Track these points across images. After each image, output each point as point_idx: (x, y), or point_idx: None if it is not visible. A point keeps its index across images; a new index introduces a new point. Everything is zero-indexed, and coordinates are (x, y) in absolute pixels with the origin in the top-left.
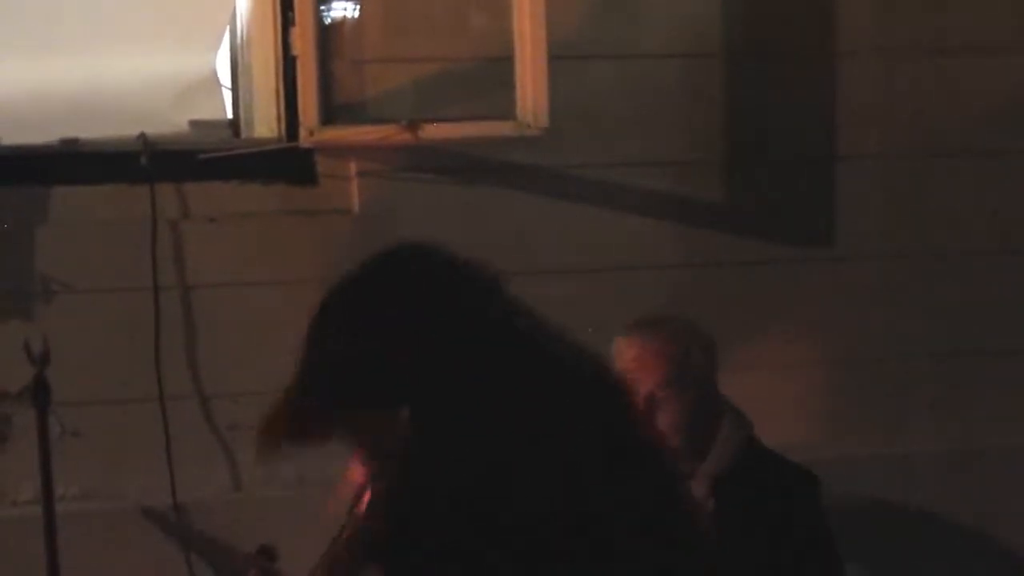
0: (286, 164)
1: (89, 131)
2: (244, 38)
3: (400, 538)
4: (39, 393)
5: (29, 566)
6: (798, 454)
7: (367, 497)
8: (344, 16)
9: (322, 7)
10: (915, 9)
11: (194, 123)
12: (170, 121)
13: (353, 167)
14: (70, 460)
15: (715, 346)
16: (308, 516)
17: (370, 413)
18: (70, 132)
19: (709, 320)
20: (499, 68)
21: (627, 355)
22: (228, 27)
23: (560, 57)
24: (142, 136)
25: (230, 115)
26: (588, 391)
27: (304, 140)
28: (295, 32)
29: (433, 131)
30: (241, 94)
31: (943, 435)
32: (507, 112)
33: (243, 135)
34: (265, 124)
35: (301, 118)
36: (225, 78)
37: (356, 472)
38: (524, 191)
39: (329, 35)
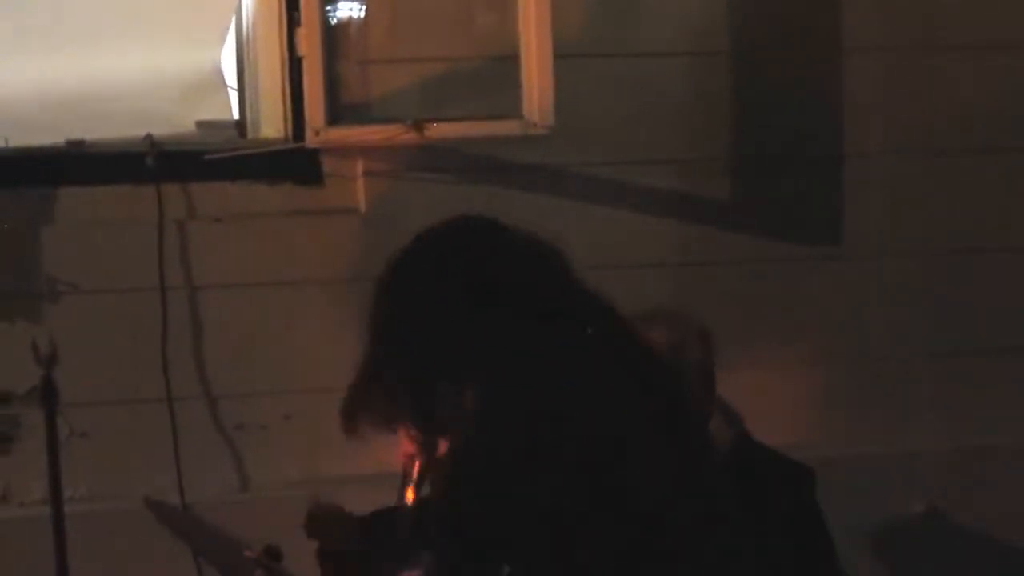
0: (292, 164)
1: (95, 132)
2: (250, 39)
3: (470, 505)
4: (47, 394)
5: (38, 566)
6: (801, 452)
7: (416, 471)
8: (350, 16)
9: (328, 8)
10: (919, 8)
11: (200, 124)
12: (176, 122)
13: (359, 167)
14: (78, 461)
15: (712, 338)
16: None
17: (439, 388)
18: (76, 134)
19: (712, 318)
20: (504, 67)
21: None
22: (234, 27)
23: (565, 56)
24: (148, 137)
25: (236, 116)
26: (642, 363)
27: (310, 140)
28: (301, 33)
29: (439, 131)
30: (247, 95)
31: (946, 434)
32: (512, 111)
33: (249, 136)
34: (271, 124)
35: (307, 118)
36: (231, 79)
37: (407, 449)
38: (530, 190)
39: (335, 35)
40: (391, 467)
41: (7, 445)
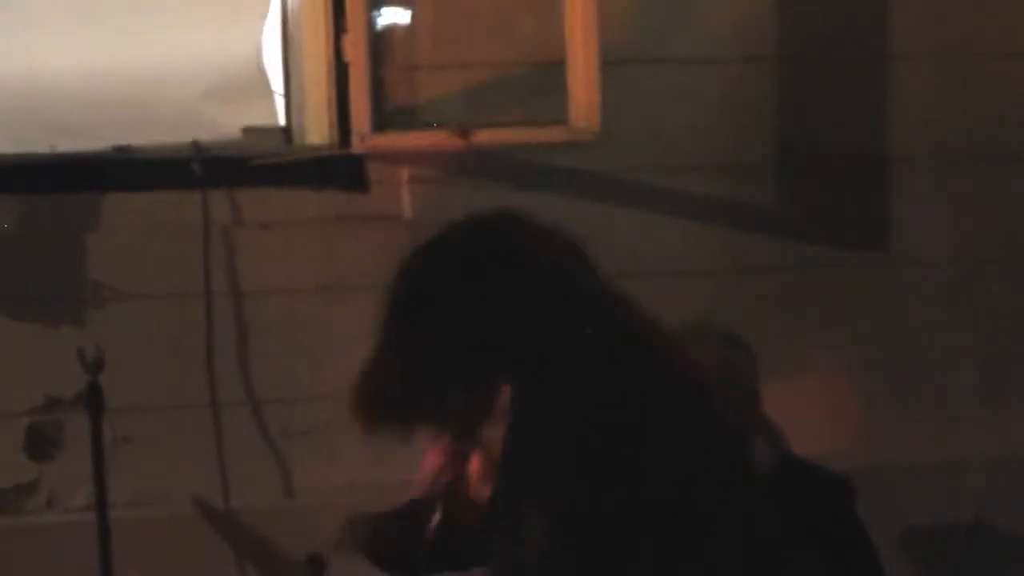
0: (338, 170)
1: (142, 138)
2: (296, 45)
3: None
4: (92, 400)
5: (82, 572)
6: (846, 460)
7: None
8: (395, 22)
9: (374, 14)
10: (968, 11)
11: (246, 130)
12: (222, 128)
13: (405, 173)
14: (122, 466)
15: (755, 358)
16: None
17: (468, 390)
18: (123, 139)
19: (757, 324)
20: (550, 73)
21: None
22: (280, 33)
23: (612, 62)
24: (194, 143)
25: (282, 122)
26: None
27: (356, 146)
28: (347, 39)
29: (485, 136)
30: (293, 100)
31: (994, 441)
32: (558, 117)
33: (295, 141)
34: (317, 130)
35: (353, 124)
36: (277, 84)
37: (434, 458)
38: (576, 196)
39: (381, 41)
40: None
41: (52, 450)
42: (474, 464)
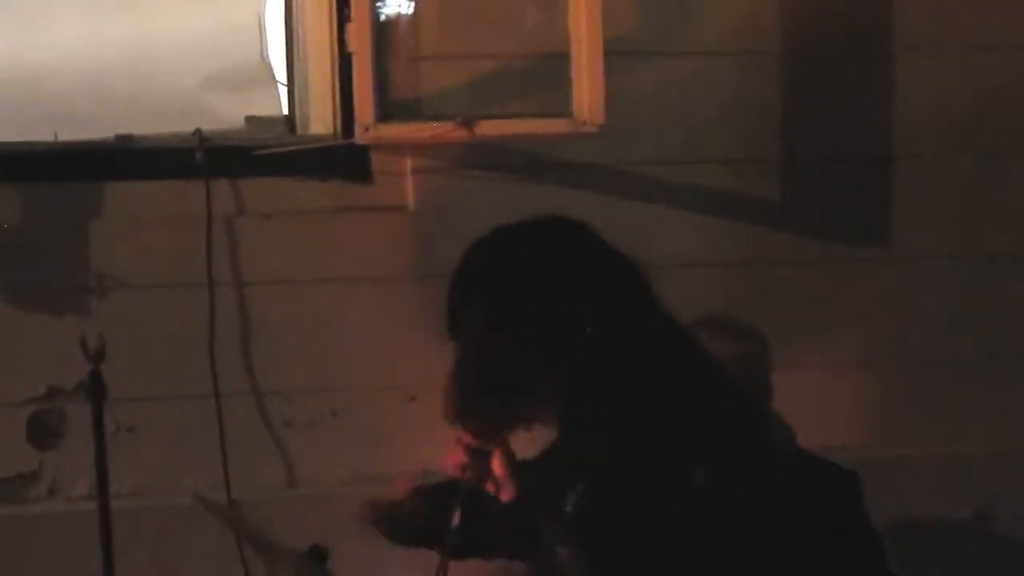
0: (341, 161)
1: (144, 127)
2: (300, 34)
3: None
4: (94, 389)
5: (84, 561)
6: (849, 454)
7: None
8: (400, 13)
9: (378, 4)
10: (972, 6)
11: (249, 119)
12: (226, 117)
13: (408, 164)
14: (125, 456)
15: (768, 351)
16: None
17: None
18: (125, 128)
19: (761, 318)
20: (555, 65)
21: None
22: (284, 23)
23: (616, 54)
24: (197, 132)
25: (285, 112)
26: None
27: (359, 137)
28: (351, 29)
29: (488, 128)
30: (296, 90)
31: (995, 437)
32: (562, 109)
33: (298, 132)
34: (321, 121)
35: (357, 115)
36: (281, 74)
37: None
38: (579, 188)
39: (385, 32)
40: (438, 465)
41: (54, 439)
42: (496, 463)
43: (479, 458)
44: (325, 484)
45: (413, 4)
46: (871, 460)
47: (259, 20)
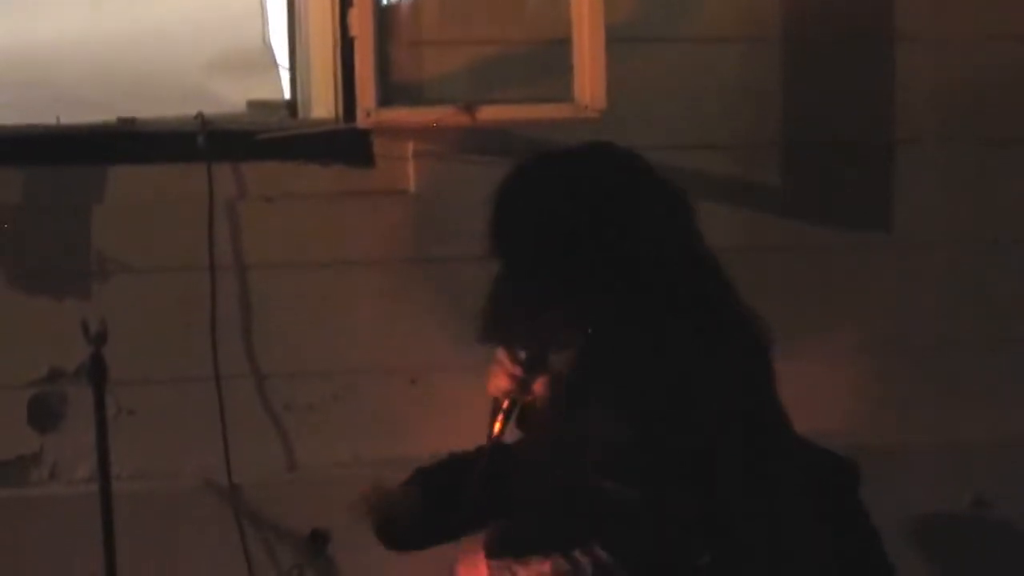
0: (343, 145)
1: (146, 111)
2: (302, 18)
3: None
4: (96, 372)
5: (84, 544)
6: (848, 441)
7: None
8: None
9: None
10: None
11: (251, 103)
12: (228, 101)
13: (410, 148)
14: (125, 439)
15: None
16: (357, 498)
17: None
18: (127, 112)
19: (761, 304)
20: (557, 51)
21: None
22: (286, 7)
23: (618, 40)
24: (199, 116)
25: (287, 96)
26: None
27: (361, 121)
28: (353, 13)
29: (490, 113)
30: (299, 75)
31: (995, 424)
32: (564, 95)
33: (300, 116)
34: (322, 105)
35: (358, 99)
36: (283, 58)
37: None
38: None
39: (387, 16)
40: (439, 448)
41: (55, 422)
42: (539, 387)
43: (522, 384)
44: (326, 467)
45: None
46: (870, 447)
47: (261, 4)
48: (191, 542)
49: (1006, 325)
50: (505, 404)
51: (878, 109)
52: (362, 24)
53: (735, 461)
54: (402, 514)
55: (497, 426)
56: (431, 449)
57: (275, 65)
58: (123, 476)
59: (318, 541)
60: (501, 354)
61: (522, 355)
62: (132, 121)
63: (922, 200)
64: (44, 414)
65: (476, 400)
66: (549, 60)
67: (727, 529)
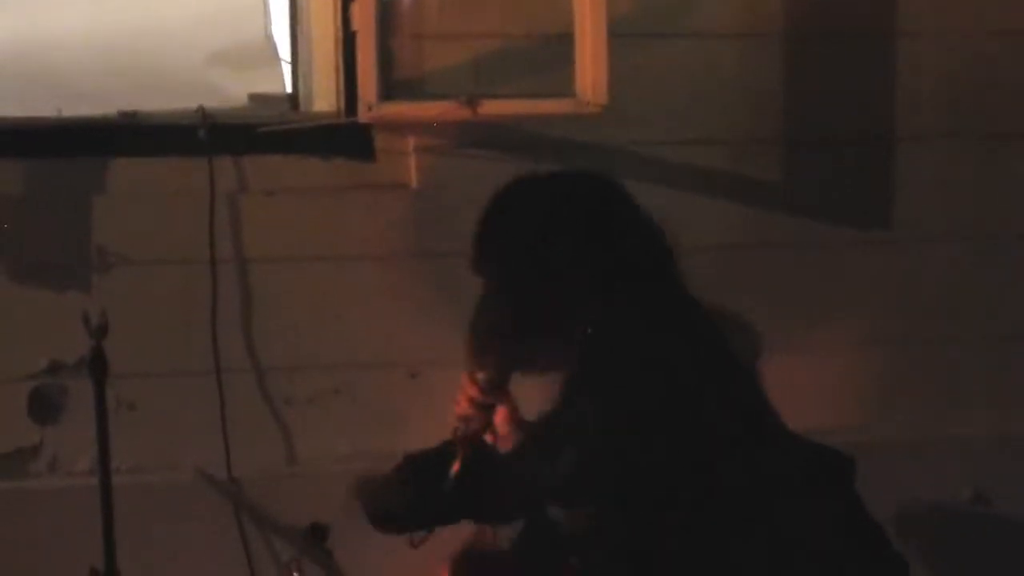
0: (344, 139)
1: (148, 104)
2: (304, 12)
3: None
4: (96, 365)
5: (84, 537)
6: (847, 436)
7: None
8: None
9: None
10: None
11: (253, 97)
12: (229, 94)
13: (411, 143)
14: (125, 432)
15: (758, 340)
16: (351, 488)
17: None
18: (129, 104)
19: (762, 300)
20: (558, 45)
21: None
22: (288, 1)
23: (620, 35)
24: (201, 109)
25: (289, 89)
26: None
27: (363, 115)
28: (355, 7)
29: (492, 108)
30: (300, 68)
31: (995, 420)
32: (566, 89)
33: (302, 109)
34: (324, 99)
35: (360, 93)
36: (284, 52)
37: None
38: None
39: (389, 10)
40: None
41: (56, 415)
42: (500, 416)
43: (484, 411)
44: (326, 461)
45: None
46: (871, 442)
47: None
48: (190, 535)
49: (1007, 321)
50: (459, 438)
51: (879, 106)
52: (364, 18)
53: (731, 470)
54: (390, 498)
55: (455, 466)
56: (431, 444)
57: (277, 59)
58: (123, 469)
59: (317, 535)
60: (463, 378)
61: (482, 377)
62: (133, 114)
63: (923, 197)
64: (44, 407)
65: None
66: (551, 55)
67: (728, 529)
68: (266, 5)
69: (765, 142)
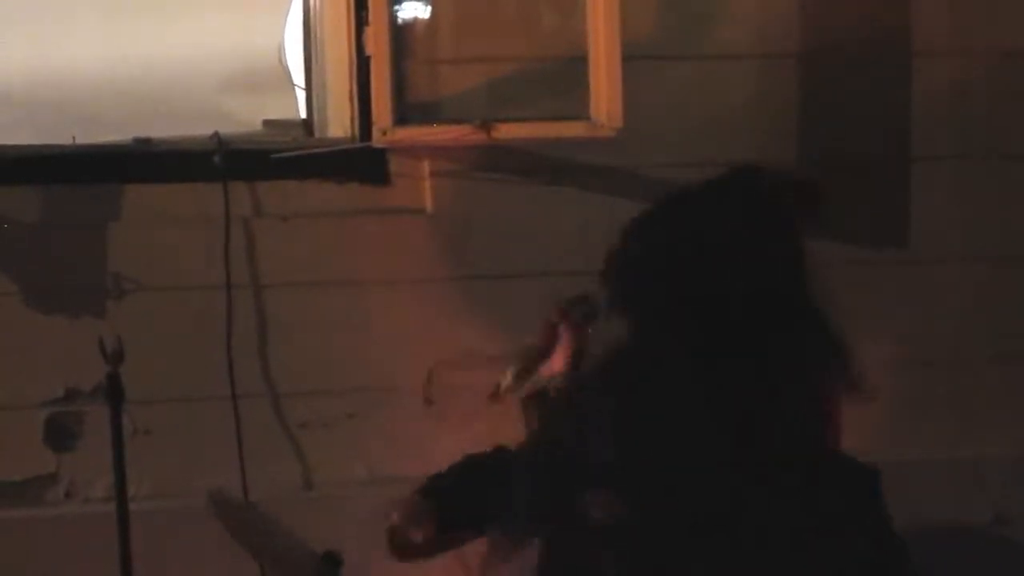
0: (359, 164)
1: (163, 130)
2: (318, 37)
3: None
4: (112, 391)
5: (101, 563)
6: (866, 457)
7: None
8: (417, 16)
9: (395, 7)
10: (992, 10)
11: (267, 123)
12: (244, 120)
13: (426, 167)
14: (142, 458)
15: None
16: (379, 516)
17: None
18: (144, 131)
19: None
20: (572, 68)
21: None
22: (302, 26)
23: (634, 57)
24: (216, 135)
25: (303, 115)
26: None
27: (377, 140)
28: (369, 32)
29: (506, 131)
30: (314, 94)
31: (1015, 440)
32: (580, 112)
33: (316, 135)
34: (338, 124)
35: (374, 118)
36: (299, 78)
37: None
38: (597, 191)
39: (403, 35)
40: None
41: (72, 442)
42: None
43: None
44: (341, 486)
45: (430, 7)
46: (888, 463)
47: (277, 24)
48: (207, 561)
49: (1023, 340)
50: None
51: (894, 126)
52: (378, 43)
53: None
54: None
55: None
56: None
57: (291, 84)
58: (139, 496)
59: (331, 563)
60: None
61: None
62: (148, 141)
63: (938, 216)
64: (60, 434)
65: (491, 418)
66: (565, 78)
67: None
68: (280, 31)
69: (781, 163)
